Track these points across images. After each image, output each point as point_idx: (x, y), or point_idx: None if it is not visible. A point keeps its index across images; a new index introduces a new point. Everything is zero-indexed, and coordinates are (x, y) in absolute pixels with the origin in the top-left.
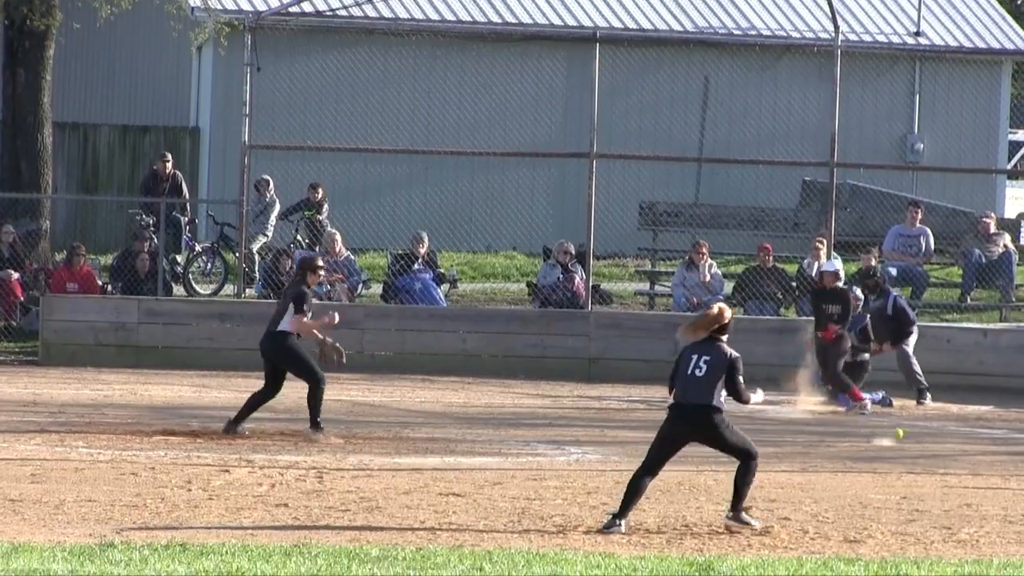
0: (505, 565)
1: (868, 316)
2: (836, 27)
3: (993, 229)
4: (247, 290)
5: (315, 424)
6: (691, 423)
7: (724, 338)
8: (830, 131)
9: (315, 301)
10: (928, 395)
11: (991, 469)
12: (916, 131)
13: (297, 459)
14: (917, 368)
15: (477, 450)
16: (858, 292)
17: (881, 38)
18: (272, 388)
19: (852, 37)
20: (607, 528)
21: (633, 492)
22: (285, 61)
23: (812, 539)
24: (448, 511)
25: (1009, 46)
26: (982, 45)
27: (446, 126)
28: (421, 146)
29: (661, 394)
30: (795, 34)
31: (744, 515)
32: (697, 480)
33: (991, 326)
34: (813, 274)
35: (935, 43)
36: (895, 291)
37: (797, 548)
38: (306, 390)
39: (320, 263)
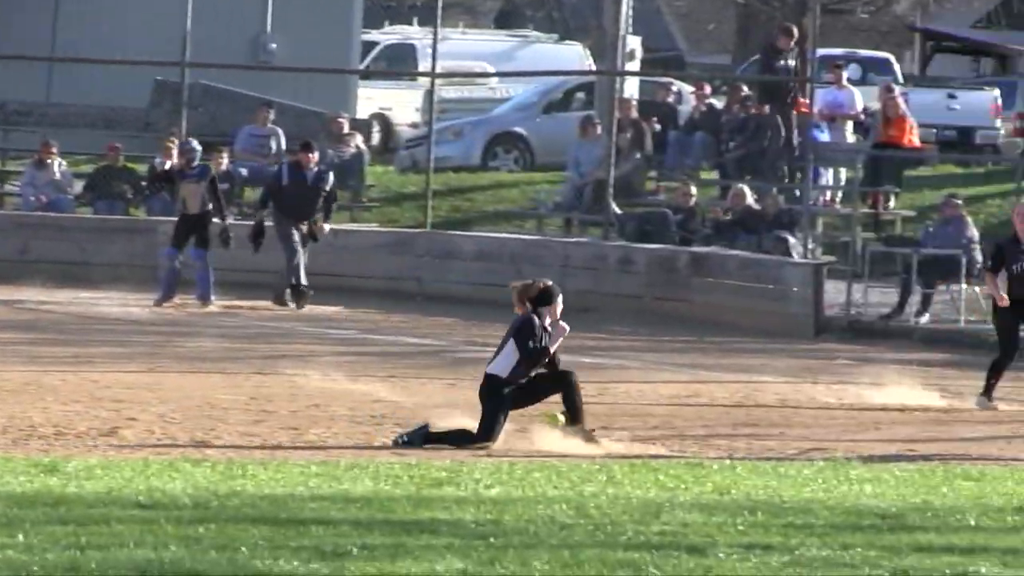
0: None
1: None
2: None
3: (346, 129)
4: None
5: None
6: None
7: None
8: (183, 30)
9: None
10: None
11: (339, 370)
12: (270, 31)
13: None
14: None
15: None
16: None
17: None
18: None
19: None
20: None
21: None
22: None
23: (159, 440)
24: None
25: None
26: None
27: None
28: None
29: None
30: None
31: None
32: (44, 380)
33: (342, 226)
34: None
35: None
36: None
37: (144, 449)
38: None
39: None
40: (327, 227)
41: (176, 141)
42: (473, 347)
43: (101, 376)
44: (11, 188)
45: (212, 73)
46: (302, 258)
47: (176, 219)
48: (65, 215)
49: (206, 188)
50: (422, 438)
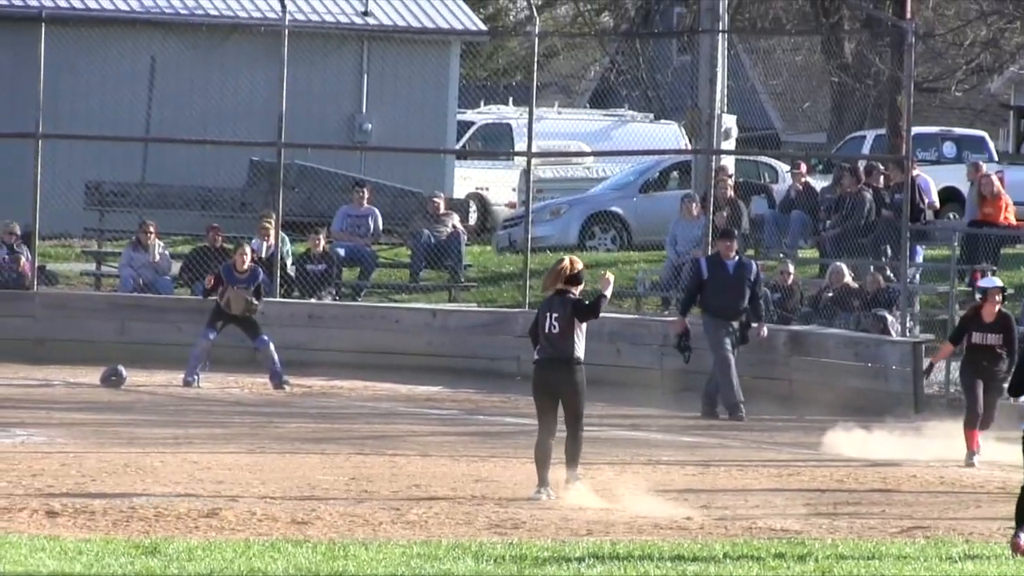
0: None
1: None
2: (284, 7)
3: (443, 209)
4: None
5: None
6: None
7: (576, 291)
8: (278, 111)
9: None
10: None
11: (440, 450)
12: (364, 111)
13: None
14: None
15: None
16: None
17: (329, 18)
18: None
19: (300, 17)
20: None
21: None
22: None
23: (260, 520)
24: None
25: (457, 26)
26: (430, 25)
27: None
28: None
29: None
30: (243, 14)
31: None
32: (143, 461)
33: (440, 306)
34: (263, 254)
35: (383, 23)
36: None
37: (245, 530)
38: None
39: None
40: (764, 331)
41: (272, 222)
42: None
43: (200, 457)
44: (109, 269)
45: (308, 153)
46: (733, 369)
47: (215, 306)
48: (163, 296)
49: (251, 293)
50: None
